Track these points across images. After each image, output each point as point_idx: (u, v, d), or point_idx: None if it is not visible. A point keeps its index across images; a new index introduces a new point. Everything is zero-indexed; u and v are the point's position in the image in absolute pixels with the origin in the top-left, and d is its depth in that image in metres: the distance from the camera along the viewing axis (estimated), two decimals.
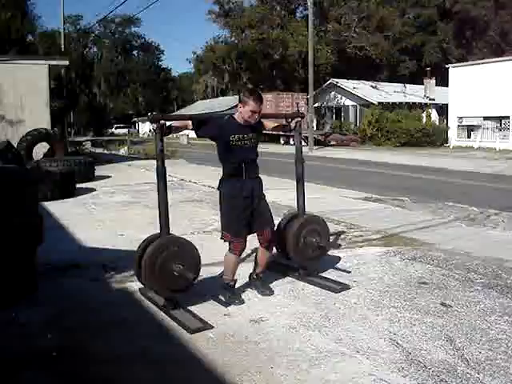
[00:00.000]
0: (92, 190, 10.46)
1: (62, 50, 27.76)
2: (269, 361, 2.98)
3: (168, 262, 3.59)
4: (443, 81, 31.23)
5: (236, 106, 3.99)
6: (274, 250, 4.31)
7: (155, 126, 3.63)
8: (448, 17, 46.43)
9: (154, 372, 2.89)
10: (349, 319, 3.58)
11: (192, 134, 4.25)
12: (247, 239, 3.94)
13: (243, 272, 4.22)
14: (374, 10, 41.41)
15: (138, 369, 2.93)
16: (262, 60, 42.59)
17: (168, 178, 3.96)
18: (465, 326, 3.42)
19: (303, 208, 4.44)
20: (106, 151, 25.77)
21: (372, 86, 35.54)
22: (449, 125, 29.20)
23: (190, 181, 11.85)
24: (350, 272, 4.65)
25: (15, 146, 11.48)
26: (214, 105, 45.77)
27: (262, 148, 4.48)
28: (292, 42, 40.30)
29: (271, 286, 4.25)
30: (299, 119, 4.30)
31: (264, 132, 4.19)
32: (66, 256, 5.19)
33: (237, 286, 4.07)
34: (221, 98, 49.94)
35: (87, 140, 31.52)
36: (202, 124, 3.90)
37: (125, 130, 50.74)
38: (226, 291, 3.97)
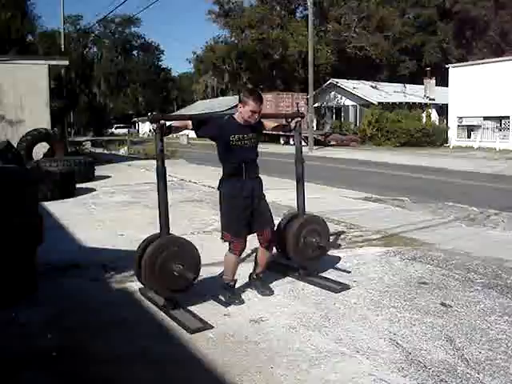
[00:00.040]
0: (92, 189, 10.46)
1: (62, 50, 27.76)
2: (269, 361, 2.98)
3: (168, 262, 3.59)
4: (443, 81, 31.24)
5: (236, 106, 4.00)
6: (274, 250, 4.31)
7: (155, 126, 3.63)
8: (448, 17, 46.43)
9: (154, 372, 2.89)
10: (349, 319, 3.58)
11: (192, 133, 4.25)
12: (247, 239, 3.94)
13: (243, 272, 4.22)
14: (373, 10, 41.41)
15: (138, 369, 2.93)
16: (261, 60, 42.59)
17: (168, 178, 3.96)
18: (465, 326, 3.43)
19: (303, 208, 4.44)
20: (105, 151, 25.78)
21: (372, 86, 35.54)
22: (449, 125, 29.20)
23: (189, 181, 11.85)
24: (349, 272, 4.65)
25: (15, 145, 11.48)
26: (213, 105, 45.77)
27: (262, 148, 4.48)
28: (292, 42, 40.31)
29: (271, 285, 4.25)
30: (299, 119, 4.30)
31: (264, 132, 4.19)
32: (65, 256, 5.19)
33: (237, 285, 4.07)
34: (221, 98, 49.93)
35: (87, 140, 31.55)
36: (201, 124, 3.90)
37: (125, 130, 50.79)
38: (226, 291, 3.97)
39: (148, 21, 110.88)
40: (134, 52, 74.03)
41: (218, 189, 3.96)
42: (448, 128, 29.08)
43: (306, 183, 4.50)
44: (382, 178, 13.63)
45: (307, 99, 28.69)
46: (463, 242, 5.79)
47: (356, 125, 33.68)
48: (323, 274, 4.56)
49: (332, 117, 36.65)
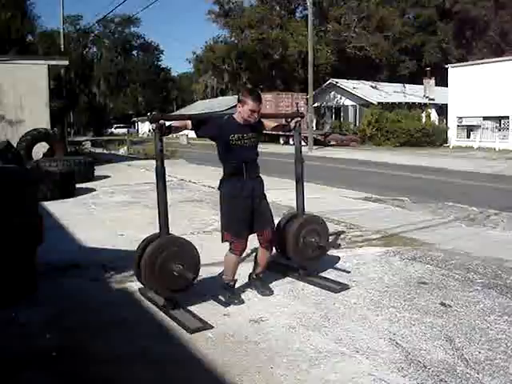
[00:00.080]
0: (92, 190, 10.46)
1: (62, 50, 27.72)
2: (269, 361, 2.98)
3: (168, 262, 3.59)
4: (443, 81, 31.21)
5: (236, 105, 3.99)
6: (274, 250, 4.31)
7: (155, 125, 3.63)
8: (448, 17, 46.43)
9: (154, 372, 2.89)
10: (348, 319, 3.58)
11: (192, 133, 4.25)
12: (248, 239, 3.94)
13: (243, 272, 4.22)
14: (373, 10, 41.40)
15: (138, 369, 2.93)
16: (261, 60, 42.56)
17: (168, 178, 3.97)
18: (464, 326, 3.43)
19: (303, 208, 4.44)
20: (105, 151, 25.78)
21: (372, 86, 35.52)
22: (448, 125, 29.19)
23: (189, 181, 11.85)
24: (349, 272, 4.65)
25: (15, 145, 11.49)
26: (213, 105, 45.76)
27: (262, 148, 4.48)
28: (292, 42, 40.30)
29: (271, 285, 4.25)
30: (299, 119, 4.30)
31: (264, 132, 4.19)
32: (66, 256, 5.19)
33: (237, 285, 4.07)
34: (220, 97, 49.90)
35: (87, 140, 31.57)
36: (201, 124, 3.90)
37: (124, 130, 50.78)
38: (225, 291, 3.98)
39: (148, 21, 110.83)
40: (134, 52, 74.00)
41: (219, 189, 3.96)
42: (448, 128, 29.07)
43: (305, 183, 4.51)
44: (381, 177, 13.63)
45: (307, 99, 28.68)
46: (463, 242, 5.79)
47: (356, 125, 33.66)
48: (323, 274, 4.56)
49: (332, 117, 36.63)
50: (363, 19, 41.52)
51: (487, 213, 7.80)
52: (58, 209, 8.11)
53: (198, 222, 7.05)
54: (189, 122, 3.87)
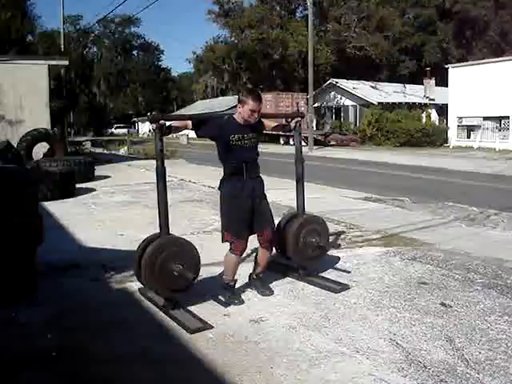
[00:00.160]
0: (92, 189, 10.46)
1: (62, 50, 27.74)
2: (269, 361, 2.98)
3: (168, 262, 3.59)
4: (443, 81, 31.21)
5: (236, 106, 3.99)
6: (274, 250, 4.31)
7: (155, 125, 3.63)
8: (448, 17, 46.41)
9: (154, 372, 2.89)
10: (349, 319, 3.58)
11: (192, 133, 4.25)
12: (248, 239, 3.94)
13: (243, 272, 4.22)
14: (373, 10, 41.38)
15: (138, 369, 2.93)
16: (261, 60, 42.55)
17: (168, 178, 3.96)
18: (464, 326, 3.43)
19: (303, 208, 4.44)
20: (105, 151, 25.78)
21: (372, 86, 35.52)
22: (448, 125, 29.18)
23: (189, 181, 11.85)
24: (349, 272, 4.65)
25: (15, 145, 11.48)
26: (213, 105, 45.74)
27: (262, 148, 4.49)
28: (292, 41, 40.29)
29: (271, 285, 4.25)
30: (299, 119, 4.30)
31: (264, 132, 4.19)
32: (66, 256, 5.19)
33: (237, 286, 4.07)
34: (221, 97, 49.90)
35: (87, 140, 31.53)
36: (201, 124, 3.90)
37: (124, 130, 50.80)
38: (225, 291, 3.98)
39: (148, 21, 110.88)
40: (134, 52, 74.00)
41: (219, 189, 3.96)
42: (448, 128, 29.06)
43: (305, 183, 4.50)
44: (381, 177, 13.63)
45: (307, 99, 28.68)
46: (463, 242, 5.79)
47: (356, 125, 33.66)
48: (323, 274, 4.56)
49: (332, 117, 36.63)
50: (363, 19, 41.49)
51: (487, 213, 7.80)
52: (58, 209, 8.11)
53: (198, 221, 7.05)
54: (189, 122, 3.87)
